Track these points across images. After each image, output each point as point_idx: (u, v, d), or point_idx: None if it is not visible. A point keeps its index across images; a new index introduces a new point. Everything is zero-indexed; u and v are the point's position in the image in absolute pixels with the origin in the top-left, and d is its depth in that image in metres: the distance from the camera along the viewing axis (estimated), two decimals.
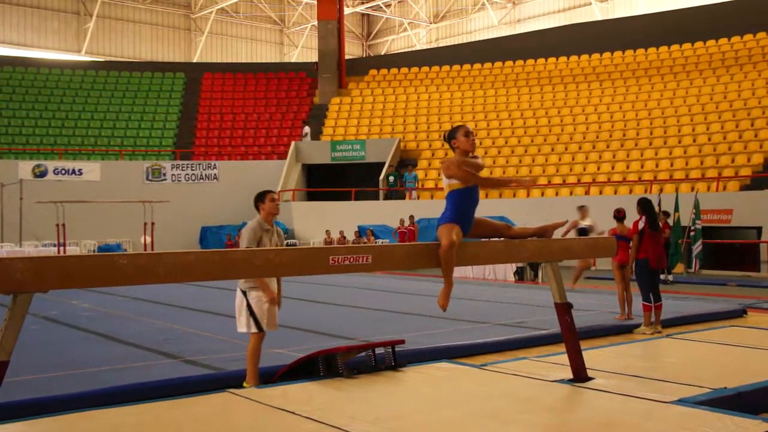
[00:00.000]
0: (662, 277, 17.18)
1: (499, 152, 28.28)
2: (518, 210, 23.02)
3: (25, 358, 7.17)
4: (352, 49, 49.96)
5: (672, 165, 23.88)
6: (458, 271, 20.13)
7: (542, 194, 24.97)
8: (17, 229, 25.57)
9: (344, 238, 24.12)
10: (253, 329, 6.30)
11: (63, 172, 29.17)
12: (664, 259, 9.81)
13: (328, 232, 24.65)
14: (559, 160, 26.67)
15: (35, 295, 3.84)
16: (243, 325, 6.37)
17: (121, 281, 4.47)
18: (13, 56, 36.91)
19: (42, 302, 7.47)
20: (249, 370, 6.24)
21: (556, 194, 24.61)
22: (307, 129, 31.92)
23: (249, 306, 6.31)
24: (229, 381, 6.27)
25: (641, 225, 9.56)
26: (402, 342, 6.98)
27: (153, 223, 23.16)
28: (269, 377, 6.48)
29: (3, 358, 3.79)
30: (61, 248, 22.85)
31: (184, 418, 5.11)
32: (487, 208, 22.11)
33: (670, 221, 18.43)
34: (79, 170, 29.41)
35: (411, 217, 23.26)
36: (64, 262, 4.00)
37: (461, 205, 5.49)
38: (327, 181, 30.23)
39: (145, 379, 6.04)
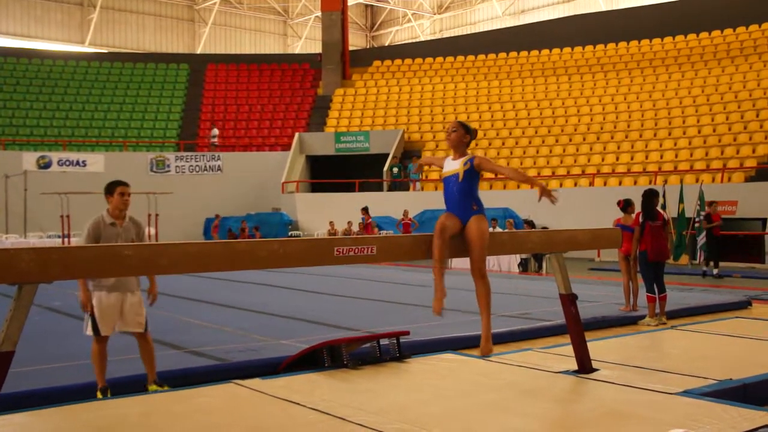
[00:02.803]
0: (706, 269, 16.61)
1: (503, 143, 28.24)
2: (522, 201, 22.98)
3: (30, 348, 7.17)
4: (356, 40, 49.86)
5: (676, 156, 23.82)
6: (462, 263, 20.05)
7: (546, 185, 24.91)
8: (22, 220, 25.61)
9: (350, 227, 24.07)
10: (88, 331, 5.84)
11: (67, 163, 29.20)
12: (666, 252, 9.72)
13: (332, 223, 24.64)
14: (564, 151, 26.63)
15: (39, 286, 3.84)
16: (84, 326, 5.91)
17: (126, 272, 4.48)
18: (16, 47, 36.95)
19: (45, 293, 7.47)
20: (95, 374, 5.81)
21: (560, 185, 24.56)
22: (215, 131, 31.79)
23: (91, 307, 5.82)
24: (234, 372, 6.27)
25: (641, 218, 9.55)
26: (407, 333, 6.98)
27: (157, 215, 23.15)
28: (274, 368, 6.47)
29: (8, 349, 3.79)
30: (66, 239, 22.88)
31: (188, 409, 5.11)
32: (491, 199, 22.16)
33: (675, 212, 18.36)
34: (83, 161, 29.43)
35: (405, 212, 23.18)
36: (68, 252, 4.00)
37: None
38: (331, 173, 30.21)
39: None
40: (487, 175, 26.62)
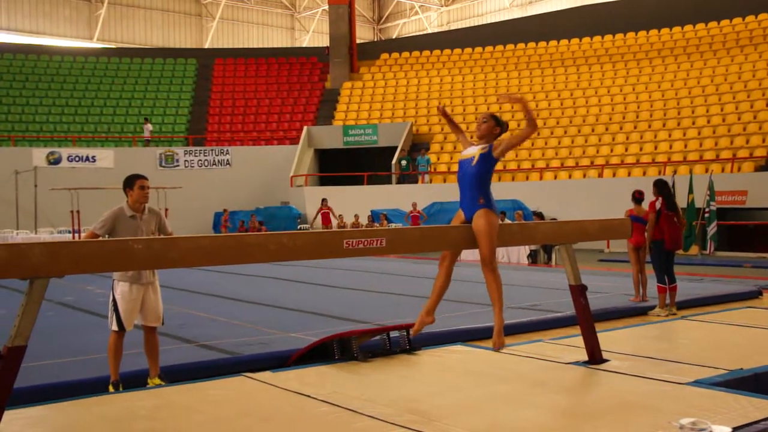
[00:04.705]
0: None
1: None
2: (531, 193, 22.97)
3: (42, 343, 7.23)
4: (363, 33, 49.79)
5: (686, 146, 23.72)
6: (472, 254, 20.05)
7: (555, 177, 24.88)
8: (32, 216, 25.72)
9: (358, 222, 24.15)
10: (114, 326, 5.82)
11: (77, 159, 29.28)
12: (680, 241, 9.73)
13: (341, 216, 24.68)
14: (572, 142, 26.55)
15: (51, 281, 3.86)
16: (109, 320, 5.90)
17: (136, 266, 4.49)
18: (25, 44, 37.01)
19: (57, 288, 7.51)
20: (109, 367, 5.81)
21: (569, 177, 24.51)
22: (149, 126, 31.43)
23: (114, 300, 5.84)
24: (244, 365, 6.29)
25: (658, 206, 9.51)
26: None
27: (166, 209, 23.20)
28: (284, 361, 6.49)
29: (21, 343, 3.81)
30: (76, 235, 22.96)
31: (199, 402, 5.14)
32: (500, 191, 22.08)
33: (684, 203, 18.28)
34: (93, 157, 29.52)
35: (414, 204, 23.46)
36: (79, 246, 4.02)
37: None
38: (339, 166, 30.22)
39: (161, 364, 6.06)
40: (497, 166, 26.58)
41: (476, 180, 5.55)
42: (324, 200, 25.08)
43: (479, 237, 5.43)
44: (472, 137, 5.90)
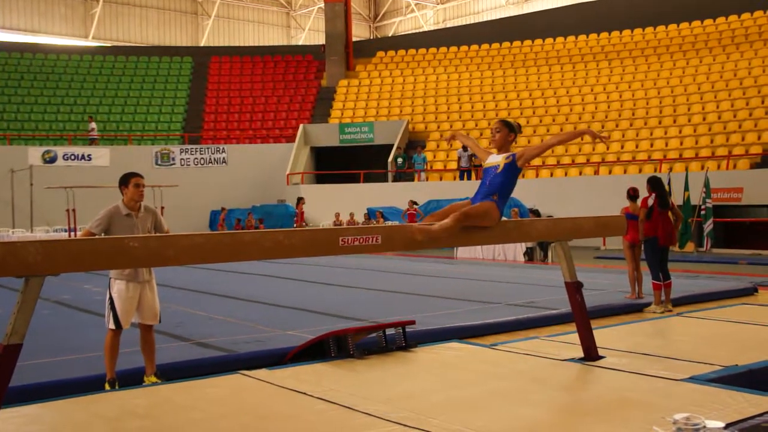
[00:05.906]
0: None
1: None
2: (528, 191, 22.94)
3: (38, 341, 7.22)
4: (359, 31, 49.75)
5: (682, 144, 23.76)
6: (468, 252, 20.07)
7: (551, 174, 24.90)
8: (28, 215, 25.69)
9: (354, 220, 24.16)
10: (111, 324, 5.82)
11: (72, 157, 29.20)
12: (674, 238, 9.76)
13: (337, 214, 24.68)
14: None
15: (47, 279, 3.86)
16: (106, 318, 5.89)
17: (132, 264, 4.49)
18: (20, 42, 36.93)
19: (54, 286, 7.51)
20: (106, 365, 5.79)
21: (566, 174, 24.54)
22: (93, 125, 30.86)
23: (111, 298, 5.84)
24: (241, 363, 6.29)
25: (650, 202, 9.55)
26: (412, 322, 6.99)
27: (162, 208, 23.09)
28: (280, 358, 6.50)
29: (16, 341, 3.82)
30: (72, 233, 22.93)
31: (196, 400, 5.14)
32: None
33: (680, 200, 18.32)
34: (89, 156, 29.45)
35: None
36: (75, 245, 4.02)
37: None
38: (335, 164, 30.21)
39: (157, 362, 6.07)
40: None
41: (500, 188, 5.54)
42: (301, 198, 25.17)
43: (474, 208, 5.38)
44: (490, 139, 5.85)
